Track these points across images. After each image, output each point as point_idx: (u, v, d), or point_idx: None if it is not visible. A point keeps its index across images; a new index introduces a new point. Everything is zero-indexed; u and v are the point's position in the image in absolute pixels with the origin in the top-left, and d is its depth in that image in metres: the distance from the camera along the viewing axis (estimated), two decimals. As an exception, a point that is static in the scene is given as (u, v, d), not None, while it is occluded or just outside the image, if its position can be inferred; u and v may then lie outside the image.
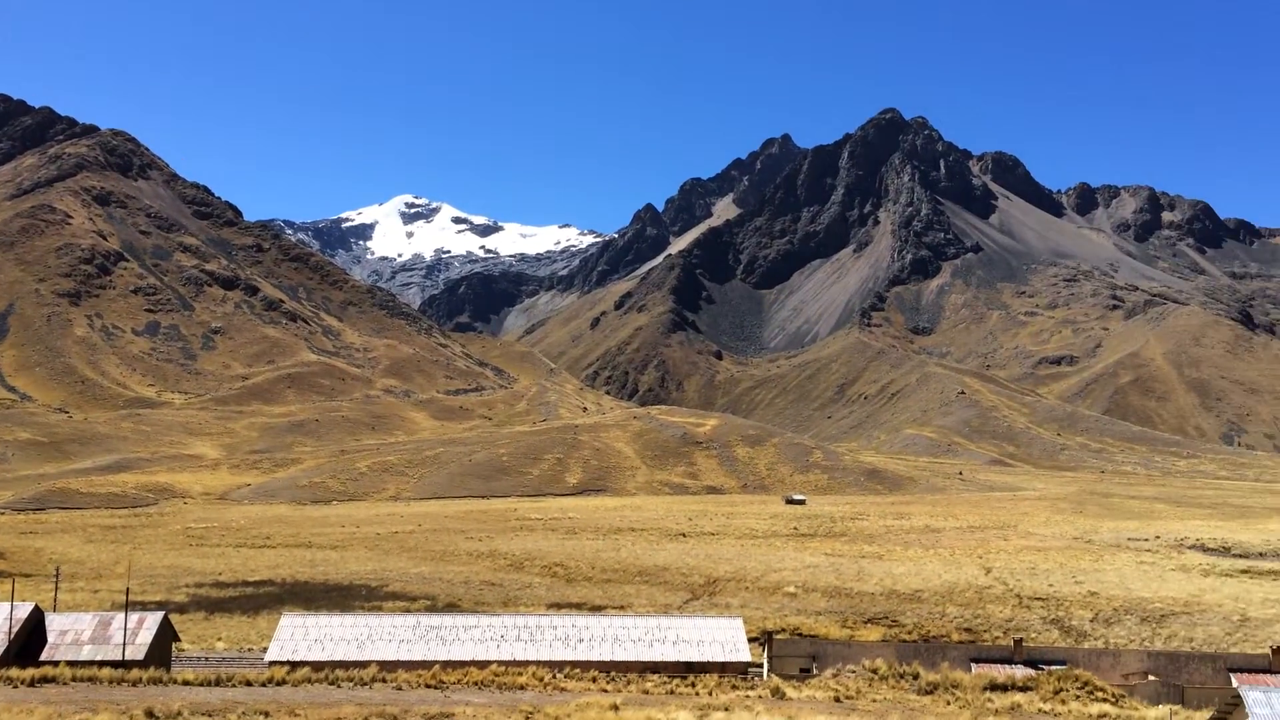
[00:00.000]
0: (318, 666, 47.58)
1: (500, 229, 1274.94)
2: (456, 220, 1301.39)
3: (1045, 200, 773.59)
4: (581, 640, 52.41)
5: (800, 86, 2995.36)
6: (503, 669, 47.68)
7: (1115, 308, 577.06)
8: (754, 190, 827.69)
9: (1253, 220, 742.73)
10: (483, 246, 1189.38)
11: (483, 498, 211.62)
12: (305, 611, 61.60)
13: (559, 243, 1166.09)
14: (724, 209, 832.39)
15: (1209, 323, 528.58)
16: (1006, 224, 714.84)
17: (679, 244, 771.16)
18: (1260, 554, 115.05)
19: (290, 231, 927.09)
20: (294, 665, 47.63)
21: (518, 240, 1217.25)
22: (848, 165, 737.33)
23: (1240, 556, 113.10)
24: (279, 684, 43.93)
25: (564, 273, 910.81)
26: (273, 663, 49.22)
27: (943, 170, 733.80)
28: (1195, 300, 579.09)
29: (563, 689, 44.90)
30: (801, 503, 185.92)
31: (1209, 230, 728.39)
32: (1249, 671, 48.94)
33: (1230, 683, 46.41)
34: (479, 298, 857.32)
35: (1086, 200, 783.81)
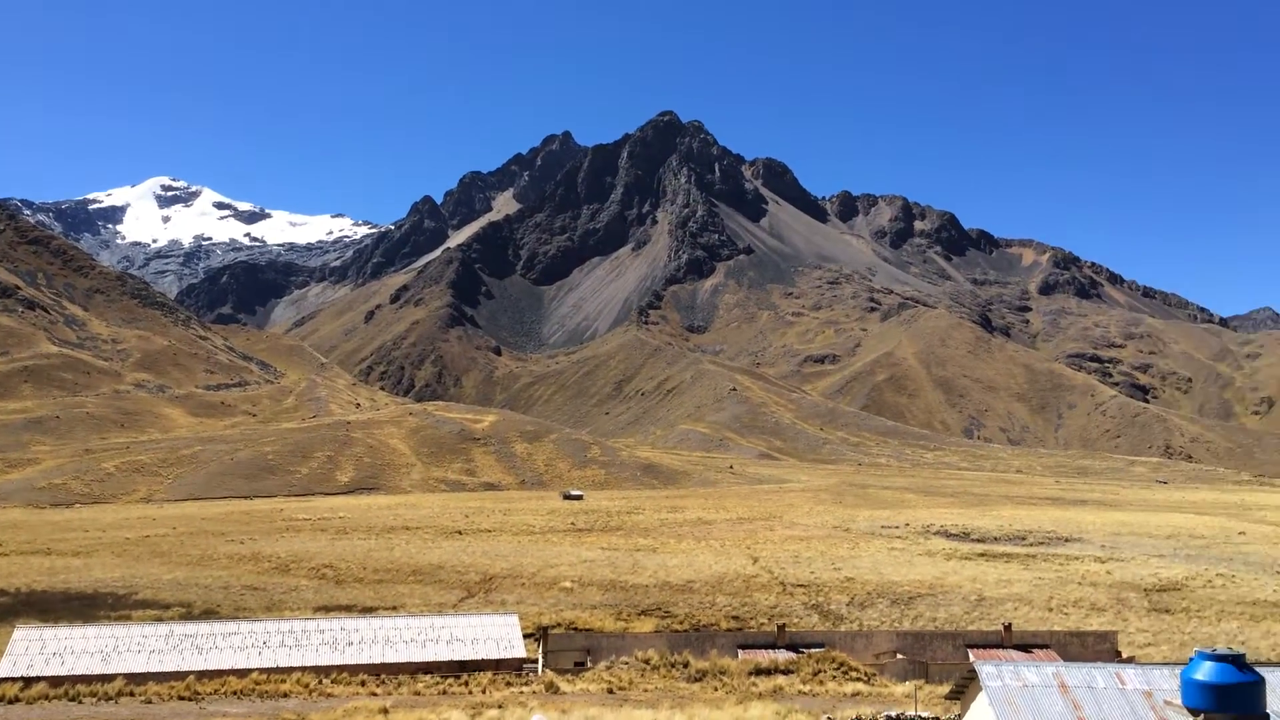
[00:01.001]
0: (56, 682, 43.80)
1: (268, 216, 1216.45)
2: (219, 205, 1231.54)
3: (811, 206, 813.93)
4: (350, 643, 50.66)
5: (581, 85, 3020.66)
6: (264, 677, 45.43)
7: (873, 310, 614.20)
8: (534, 186, 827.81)
9: (992, 231, 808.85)
10: (248, 234, 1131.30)
11: (246, 498, 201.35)
12: (42, 624, 56.47)
13: (331, 233, 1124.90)
14: (504, 204, 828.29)
15: (954, 325, 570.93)
16: (776, 228, 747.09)
17: (458, 238, 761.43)
18: (995, 538, 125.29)
19: (29, 212, 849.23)
20: (28, 681, 43.66)
21: (287, 229, 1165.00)
22: (627, 165, 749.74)
23: (978, 541, 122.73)
24: (11, 702, 40.18)
25: (337, 264, 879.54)
26: (3, 680, 44.90)
27: (717, 173, 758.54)
28: (942, 304, 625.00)
29: (329, 694, 43.25)
30: (579, 498, 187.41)
31: (955, 239, 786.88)
32: (984, 647, 53.20)
33: (968, 658, 50.19)
34: (244, 288, 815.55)
35: (848, 207, 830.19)
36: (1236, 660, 14.15)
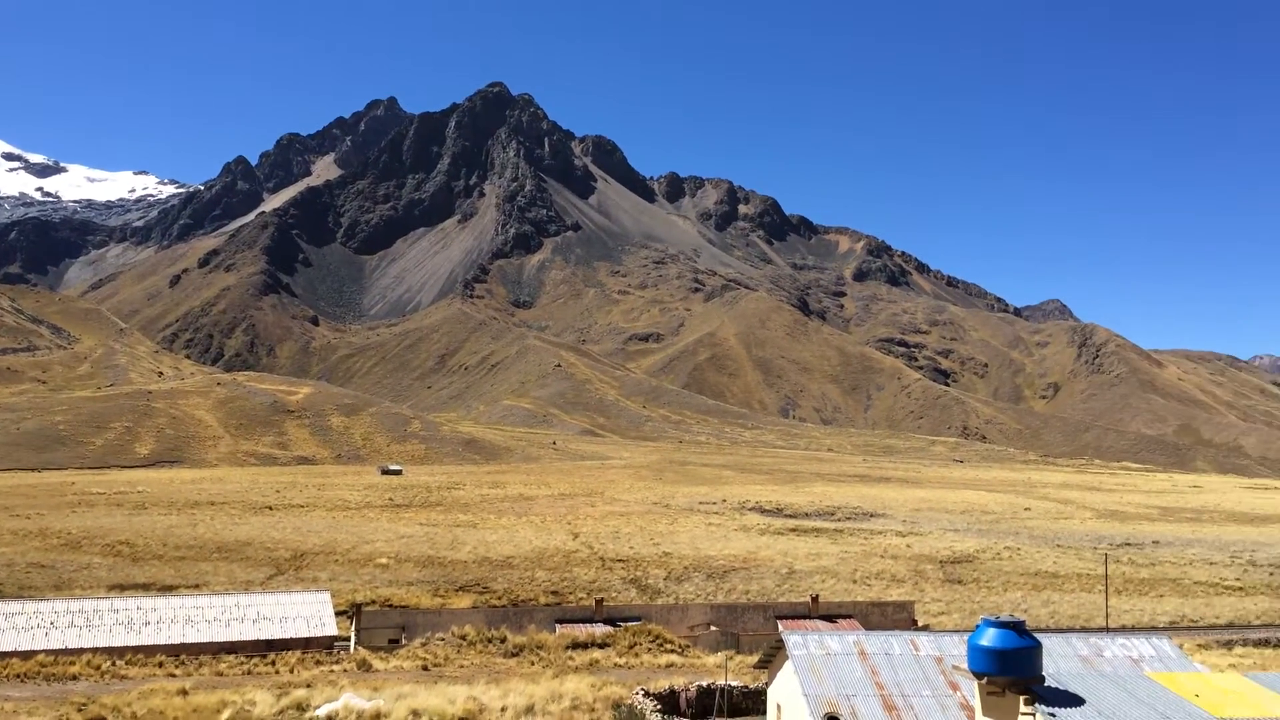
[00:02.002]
0: None
1: (63, 170, 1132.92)
2: (8, 156, 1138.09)
3: (639, 186, 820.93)
4: (148, 623, 48.13)
5: (409, 50, 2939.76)
6: (51, 659, 42.66)
7: (697, 290, 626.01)
8: (357, 152, 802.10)
9: (811, 218, 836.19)
10: (40, 189, 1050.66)
11: (34, 470, 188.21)
12: None
13: (134, 190, 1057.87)
14: (324, 168, 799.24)
15: (773, 308, 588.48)
16: (604, 205, 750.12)
17: (274, 201, 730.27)
18: (806, 514, 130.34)
19: None
20: None
21: (84, 185, 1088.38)
22: (454, 135, 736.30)
23: (790, 517, 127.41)
24: None
25: (140, 224, 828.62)
26: None
27: (547, 149, 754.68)
28: (763, 287, 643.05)
29: (123, 676, 40.99)
30: (398, 473, 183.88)
31: (776, 224, 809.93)
32: (793, 618, 55.29)
33: (777, 629, 52.05)
34: (34, 246, 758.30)
35: (675, 188, 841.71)
36: (1017, 627, 15.15)
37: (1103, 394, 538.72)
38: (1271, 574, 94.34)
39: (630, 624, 52.31)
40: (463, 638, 49.37)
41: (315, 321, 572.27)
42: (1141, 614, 74.17)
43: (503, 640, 48.91)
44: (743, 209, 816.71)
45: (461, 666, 44.20)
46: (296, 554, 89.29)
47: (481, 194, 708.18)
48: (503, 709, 31.76)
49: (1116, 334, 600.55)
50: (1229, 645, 65.21)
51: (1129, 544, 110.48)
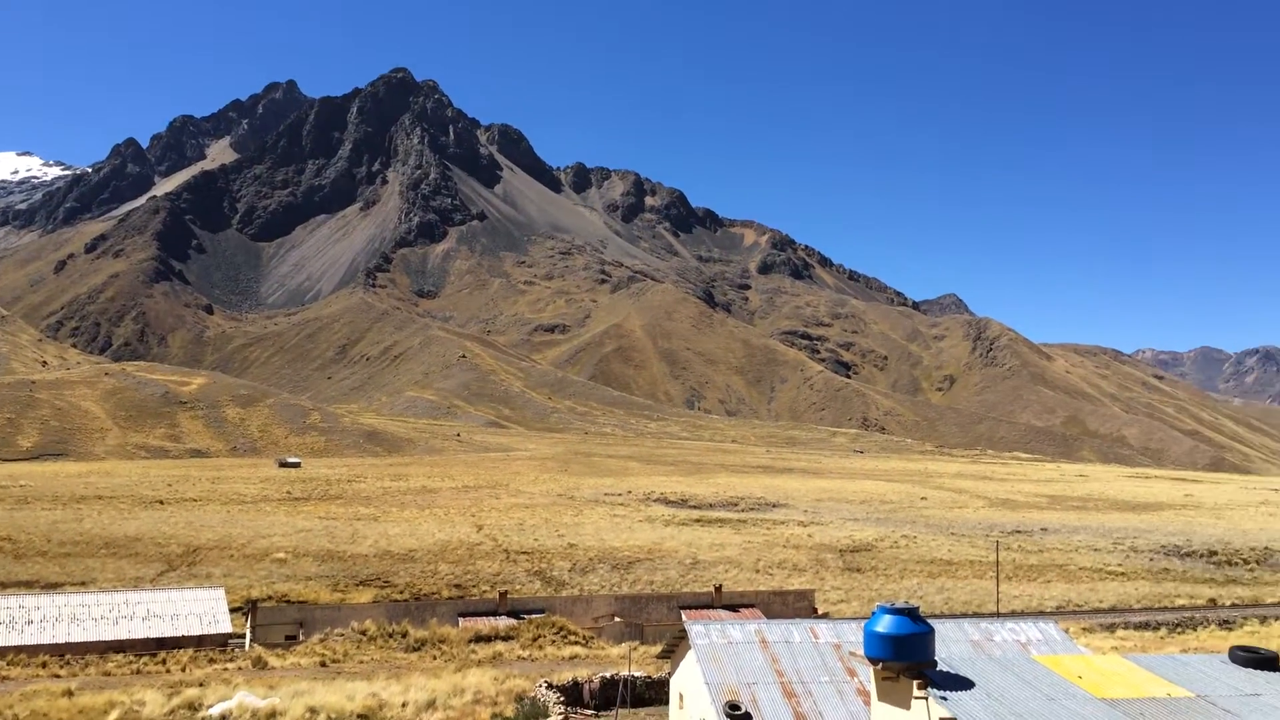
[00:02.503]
0: None
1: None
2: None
3: (546, 175, 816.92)
4: (31, 622, 46.22)
5: (308, 32, 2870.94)
6: (-78, 663, 40.63)
7: (603, 282, 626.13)
8: (254, 135, 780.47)
9: (718, 211, 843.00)
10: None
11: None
12: None
13: (17, 172, 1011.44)
14: (220, 152, 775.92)
15: (679, 300, 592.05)
16: (510, 195, 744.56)
17: (166, 185, 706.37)
18: (710, 505, 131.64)
19: None
20: None
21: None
22: (357, 120, 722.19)
23: (695, 507, 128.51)
24: None
25: (23, 207, 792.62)
26: None
27: (452, 136, 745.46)
28: (669, 279, 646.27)
29: (4, 677, 39.31)
30: (296, 465, 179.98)
31: (683, 216, 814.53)
32: (696, 608, 55.77)
33: (681, 619, 52.47)
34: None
35: (582, 179, 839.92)
36: (911, 613, 15.54)
37: (996, 386, 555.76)
38: (1151, 560, 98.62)
39: (534, 616, 52.15)
40: (363, 633, 48.61)
41: (209, 310, 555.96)
42: (1030, 599, 76.82)
43: (404, 635, 48.28)
44: (649, 201, 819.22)
45: (361, 662, 43.51)
46: (189, 549, 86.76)
47: (384, 181, 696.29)
48: (404, 704, 31.36)
49: (1009, 328, 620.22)
50: (1111, 629, 67.96)
51: (1019, 531, 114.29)
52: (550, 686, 32.33)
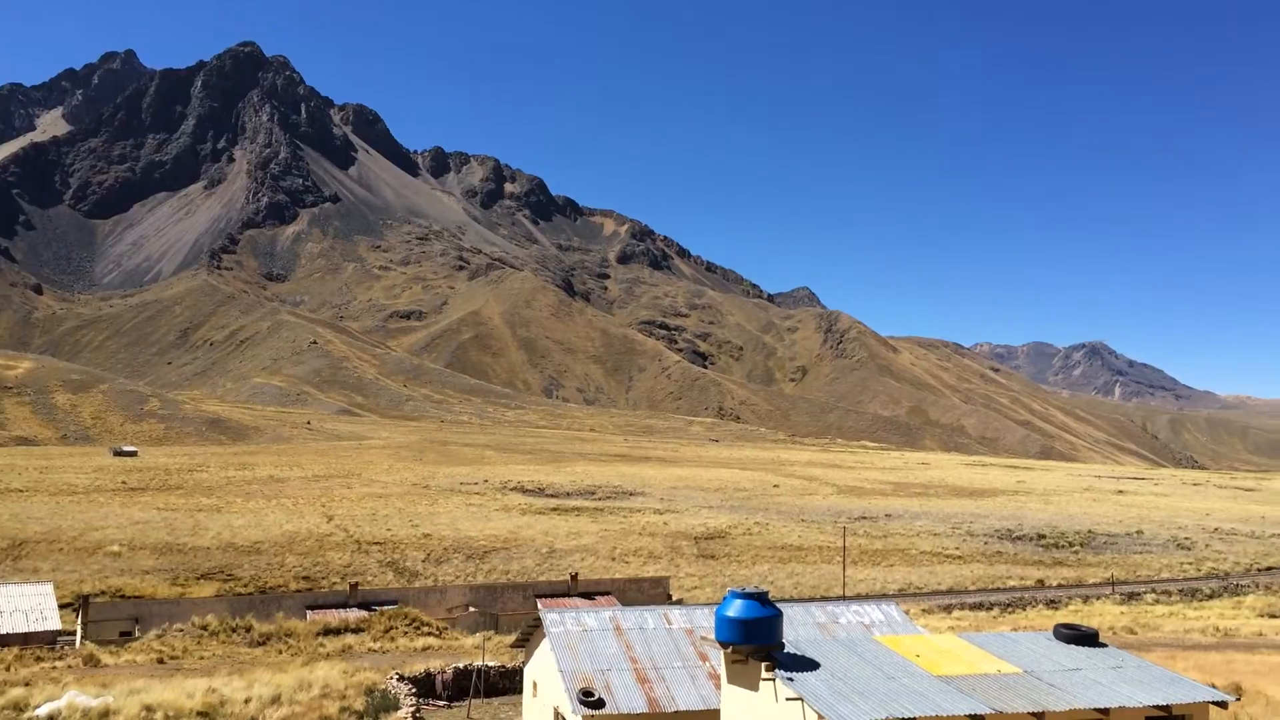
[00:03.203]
0: None
1: None
2: None
3: (403, 159, 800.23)
4: None
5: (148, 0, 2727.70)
6: None
7: (461, 268, 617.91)
8: (90, 107, 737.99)
9: (578, 199, 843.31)
10: None
11: None
12: None
13: None
14: (51, 123, 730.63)
15: (538, 288, 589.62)
16: (365, 178, 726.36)
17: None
18: (568, 493, 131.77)
19: None
20: None
21: None
22: (201, 95, 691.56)
23: (552, 496, 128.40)
24: None
25: None
26: None
27: (304, 115, 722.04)
28: (528, 267, 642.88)
29: None
30: (132, 454, 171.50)
31: (543, 204, 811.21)
32: (552, 596, 55.76)
33: (537, 608, 52.39)
34: None
35: (440, 163, 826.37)
36: (760, 598, 15.90)
37: (845, 377, 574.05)
38: (986, 543, 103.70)
39: (387, 608, 51.22)
40: (204, 628, 46.80)
41: (38, 290, 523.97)
42: (875, 582, 79.75)
43: (248, 629, 46.69)
44: (509, 187, 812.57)
45: (202, 659, 41.84)
46: (14, 543, 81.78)
47: (231, 159, 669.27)
48: (246, 700, 30.28)
49: (859, 321, 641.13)
50: (949, 609, 71.24)
51: (865, 518, 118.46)
52: (402, 678, 31.80)
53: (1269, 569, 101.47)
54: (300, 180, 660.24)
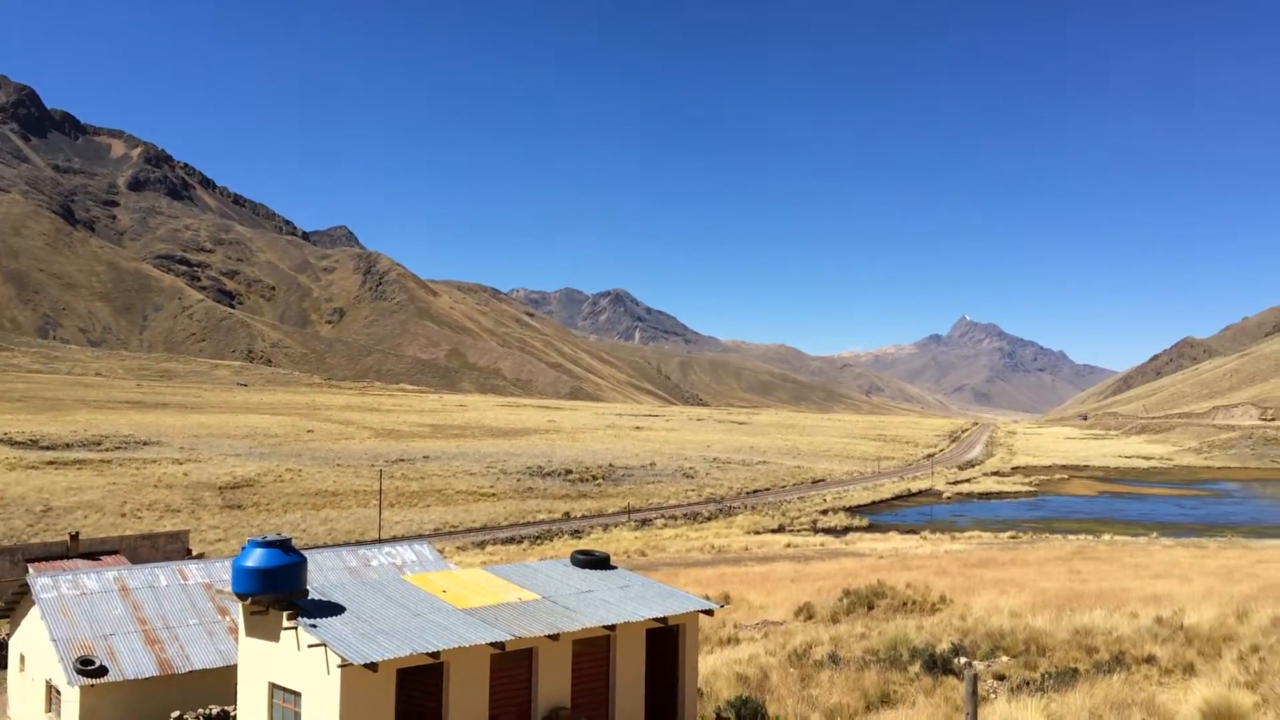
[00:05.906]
0: None
1: None
2: None
3: None
4: None
5: None
6: None
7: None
8: None
9: (78, 115, 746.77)
10: None
11: None
12: None
13: None
14: None
15: (30, 213, 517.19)
16: None
17: None
18: (67, 445, 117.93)
19: None
20: None
21: None
22: None
23: (48, 448, 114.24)
24: None
25: None
26: None
27: None
28: (17, 189, 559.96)
29: None
30: None
31: (35, 118, 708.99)
32: (47, 559, 49.73)
33: (30, 573, 46.50)
34: None
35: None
36: (282, 545, 15.30)
37: (385, 320, 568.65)
38: (519, 480, 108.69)
39: None
40: None
41: None
42: (411, 524, 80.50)
43: None
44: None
45: None
46: None
47: None
48: None
49: (399, 263, 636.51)
50: (482, 545, 73.88)
51: (403, 460, 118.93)
52: None
53: (755, 492, 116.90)
54: None
